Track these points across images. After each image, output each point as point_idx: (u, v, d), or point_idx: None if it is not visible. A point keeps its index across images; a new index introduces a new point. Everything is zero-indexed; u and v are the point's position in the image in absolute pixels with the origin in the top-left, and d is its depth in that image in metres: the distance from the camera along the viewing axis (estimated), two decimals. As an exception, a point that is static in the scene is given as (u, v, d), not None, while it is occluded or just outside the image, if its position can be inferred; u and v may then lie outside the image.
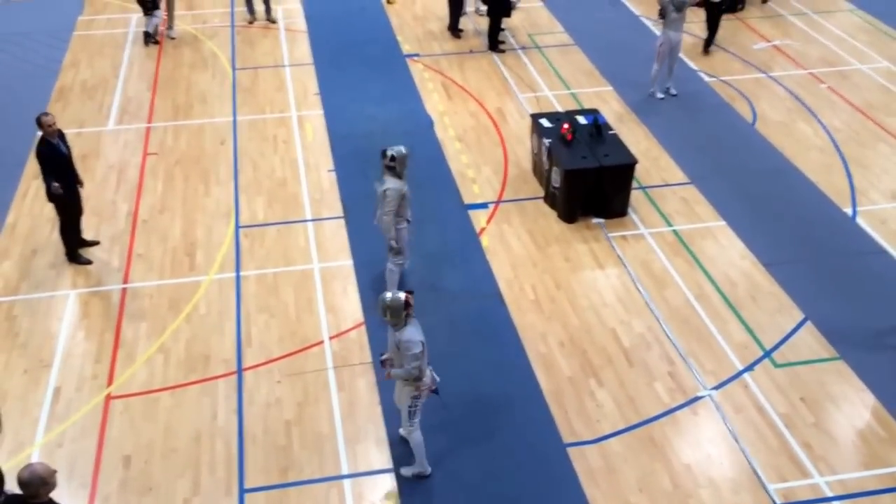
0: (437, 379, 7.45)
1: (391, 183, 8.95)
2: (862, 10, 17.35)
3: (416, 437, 7.52)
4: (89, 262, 10.23)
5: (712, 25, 15.33)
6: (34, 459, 7.80)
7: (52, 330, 9.32)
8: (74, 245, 10.25)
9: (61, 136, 9.86)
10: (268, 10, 16.66)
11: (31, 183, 11.73)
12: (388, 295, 6.97)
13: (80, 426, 8.20)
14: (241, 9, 16.86)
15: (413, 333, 7.02)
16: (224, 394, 8.55)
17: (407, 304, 6.97)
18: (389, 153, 8.97)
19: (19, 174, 11.95)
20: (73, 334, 9.27)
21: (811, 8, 17.42)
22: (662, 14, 13.34)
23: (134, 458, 7.87)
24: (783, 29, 16.55)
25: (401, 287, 9.39)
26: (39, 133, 9.74)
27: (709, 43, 15.49)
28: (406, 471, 7.76)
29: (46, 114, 9.68)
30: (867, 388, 8.63)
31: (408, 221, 9.35)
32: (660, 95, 13.95)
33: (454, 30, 16.17)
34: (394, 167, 8.98)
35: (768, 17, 16.94)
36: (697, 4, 14.85)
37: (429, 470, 7.73)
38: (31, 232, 10.81)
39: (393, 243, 9.31)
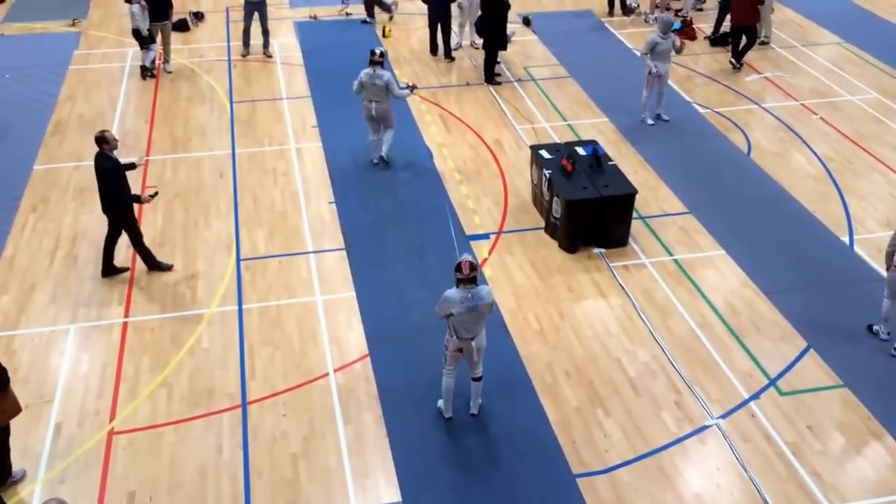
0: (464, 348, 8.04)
1: (387, 73, 12.14)
2: (849, 42, 17.63)
3: (443, 381, 8.28)
4: (126, 270, 10.60)
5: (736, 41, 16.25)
6: (36, 498, 7.70)
7: (52, 365, 9.23)
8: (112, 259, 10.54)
9: None
10: (266, 44, 16.79)
11: (29, 216, 11.69)
12: (463, 256, 7.85)
13: (83, 462, 8.09)
14: (236, 43, 16.98)
15: (449, 294, 7.71)
16: (229, 428, 8.46)
17: (457, 267, 7.64)
18: (379, 50, 12.19)
19: (16, 207, 11.90)
20: (74, 369, 9.17)
21: (800, 41, 17.69)
22: (653, 47, 13.51)
23: (138, 495, 7.77)
24: (773, 61, 16.77)
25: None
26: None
27: (737, 56, 16.32)
28: (440, 402, 8.50)
29: (108, 130, 10.02)
30: (873, 416, 8.64)
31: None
32: (650, 122, 14.11)
33: (438, 52, 16.68)
34: (382, 62, 12.13)
35: (758, 49, 17.13)
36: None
37: (448, 415, 8.42)
38: (29, 265, 10.74)
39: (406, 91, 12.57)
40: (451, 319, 7.84)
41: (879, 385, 9.03)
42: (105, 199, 10.16)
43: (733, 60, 16.31)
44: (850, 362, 9.31)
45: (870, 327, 9.69)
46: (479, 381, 8.36)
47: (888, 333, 9.54)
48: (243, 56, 16.67)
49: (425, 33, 17.60)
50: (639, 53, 16.11)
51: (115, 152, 10.07)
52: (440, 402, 8.52)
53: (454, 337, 7.93)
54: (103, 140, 9.91)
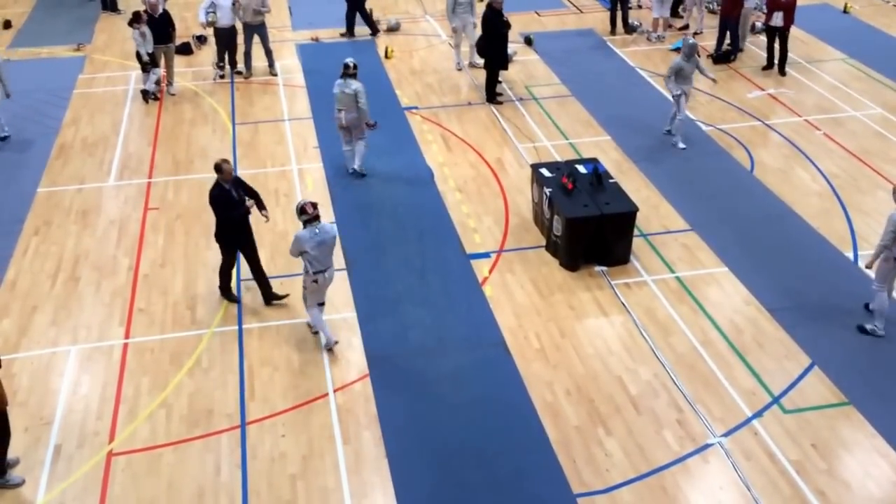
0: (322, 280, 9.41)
1: (357, 84, 12.51)
2: (854, 58, 17.60)
3: (312, 315, 9.62)
4: (236, 301, 10.55)
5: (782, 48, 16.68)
6: (34, 519, 7.68)
7: (52, 387, 9.22)
8: (227, 284, 10.54)
9: (237, 182, 10.16)
10: (270, 64, 16.91)
11: (31, 240, 11.73)
12: (302, 200, 9.26)
13: (82, 484, 8.05)
14: (239, 65, 17.07)
15: (300, 234, 9.11)
16: (227, 448, 8.42)
17: (301, 210, 9.06)
18: (352, 62, 12.56)
19: (19, 230, 11.94)
20: (74, 391, 9.16)
21: (804, 57, 17.66)
22: (678, 71, 13.52)
23: (136, 517, 7.73)
24: (777, 78, 16.75)
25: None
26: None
27: (781, 65, 16.85)
28: (322, 337, 9.65)
29: (227, 161, 10.02)
30: (878, 433, 8.53)
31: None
32: (682, 145, 13.96)
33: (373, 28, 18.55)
34: (355, 73, 12.49)
35: (762, 66, 17.13)
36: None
37: (335, 339, 9.65)
38: (31, 289, 10.76)
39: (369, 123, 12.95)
40: (305, 257, 9.17)
41: (885, 402, 8.92)
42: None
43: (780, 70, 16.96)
44: (855, 379, 9.21)
45: (862, 329, 9.73)
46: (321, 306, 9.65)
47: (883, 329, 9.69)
48: (245, 78, 16.76)
49: (428, 54, 17.74)
50: (650, 77, 16.16)
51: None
52: (322, 337, 9.62)
53: (309, 273, 9.25)
54: (217, 168, 9.97)
